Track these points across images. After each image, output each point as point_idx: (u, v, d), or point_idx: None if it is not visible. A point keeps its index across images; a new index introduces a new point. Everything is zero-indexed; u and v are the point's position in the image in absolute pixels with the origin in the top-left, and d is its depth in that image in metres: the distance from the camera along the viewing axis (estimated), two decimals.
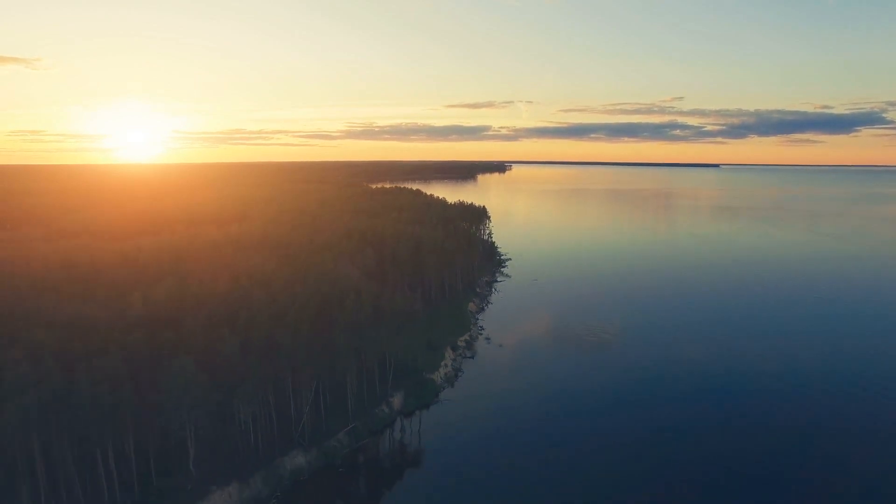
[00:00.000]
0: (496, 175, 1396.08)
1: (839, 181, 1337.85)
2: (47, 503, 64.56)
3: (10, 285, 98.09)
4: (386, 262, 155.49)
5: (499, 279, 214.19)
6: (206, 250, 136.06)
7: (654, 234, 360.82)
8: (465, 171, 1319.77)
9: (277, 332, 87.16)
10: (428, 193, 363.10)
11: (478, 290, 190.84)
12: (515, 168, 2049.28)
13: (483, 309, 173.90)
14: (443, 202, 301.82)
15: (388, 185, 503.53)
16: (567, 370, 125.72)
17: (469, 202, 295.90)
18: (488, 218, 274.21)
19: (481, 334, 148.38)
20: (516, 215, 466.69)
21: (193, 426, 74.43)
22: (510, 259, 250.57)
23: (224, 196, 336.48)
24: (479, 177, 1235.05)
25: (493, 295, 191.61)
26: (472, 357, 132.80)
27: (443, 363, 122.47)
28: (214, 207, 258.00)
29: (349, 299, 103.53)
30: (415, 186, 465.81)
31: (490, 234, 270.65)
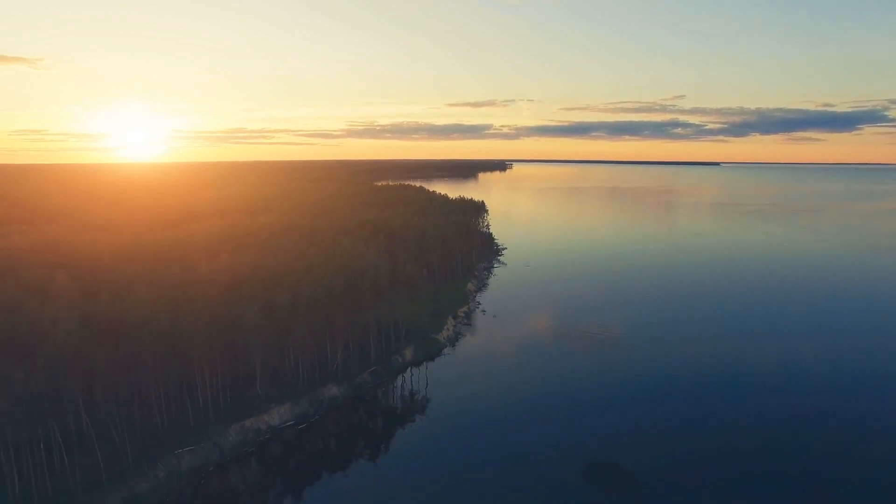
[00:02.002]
0: (497, 173, 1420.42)
1: (839, 179, 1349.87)
2: (165, 404, 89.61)
3: (103, 260, 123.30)
4: (396, 247, 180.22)
5: (495, 265, 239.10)
6: (246, 235, 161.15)
7: (644, 227, 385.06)
8: (466, 170, 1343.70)
9: (316, 293, 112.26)
10: (430, 190, 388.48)
11: (476, 273, 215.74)
12: (516, 166, 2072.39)
13: (480, 289, 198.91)
14: (444, 198, 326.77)
15: (391, 183, 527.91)
16: (552, 338, 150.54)
17: (469, 198, 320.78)
18: (486, 212, 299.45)
19: (478, 307, 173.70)
20: (514, 212, 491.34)
21: (260, 358, 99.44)
22: (506, 249, 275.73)
23: (238, 192, 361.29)
24: (480, 175, 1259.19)
25: (489, 278, 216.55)
26: (470, 324, 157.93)
27: (445, 327, 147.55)
28: (235, 202, 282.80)
29: (370, 271, 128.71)
30: (417, 184, 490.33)
31: (488, 226, 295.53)
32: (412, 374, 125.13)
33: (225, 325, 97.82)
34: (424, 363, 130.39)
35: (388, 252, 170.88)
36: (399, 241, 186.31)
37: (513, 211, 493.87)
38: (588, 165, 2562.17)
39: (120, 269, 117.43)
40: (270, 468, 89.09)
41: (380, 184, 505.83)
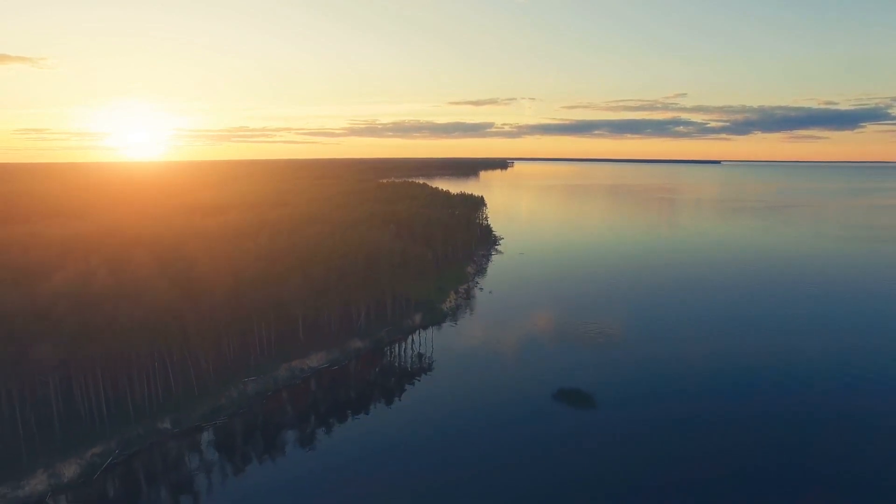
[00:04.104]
0: (498, 172, 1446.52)
1: (841, 177, 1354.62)
2: (234, 345, 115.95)
3: (164, 241, 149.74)
4: (404, 234, 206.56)
5: (492, 253, 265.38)
6: (275, 222, 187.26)
7: (638, 223, 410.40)
8: (467, 168, 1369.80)
9: (343, 267, 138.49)
10: (433, 187, 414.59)
11: (475, 259, 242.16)
12: (518, 165, 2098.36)
13: (478, 272, 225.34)
14: (447, 193, 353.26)
15: (395, 181, 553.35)
16: (538, 311, 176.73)
17: (470, 193, 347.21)
18: (485, 206, 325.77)
19: (476, 286, 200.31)
20: (513, 207, 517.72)
21: (301, 315, 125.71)
22: (503, 239, 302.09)
23: (251, 189, 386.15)
24: (482, 173, 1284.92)
25: (487, 263, 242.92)
26: (468, 298, 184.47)
27: (448, 300, 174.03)
28: (253, 197, 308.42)
29: (385, 251, 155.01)
30: (420, 182, 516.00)
31: (486, 218, 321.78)
32: (420, 335, 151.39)
33: (274, 288, 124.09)
34: (430, 327, 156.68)
35: (399, 238, 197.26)
36: (407, 230, 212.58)
37: (511, 207, 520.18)
38: (589, 164, 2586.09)
39: (180, 247, 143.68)
40: (312, 397, 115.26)
41: (384, 181, 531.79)
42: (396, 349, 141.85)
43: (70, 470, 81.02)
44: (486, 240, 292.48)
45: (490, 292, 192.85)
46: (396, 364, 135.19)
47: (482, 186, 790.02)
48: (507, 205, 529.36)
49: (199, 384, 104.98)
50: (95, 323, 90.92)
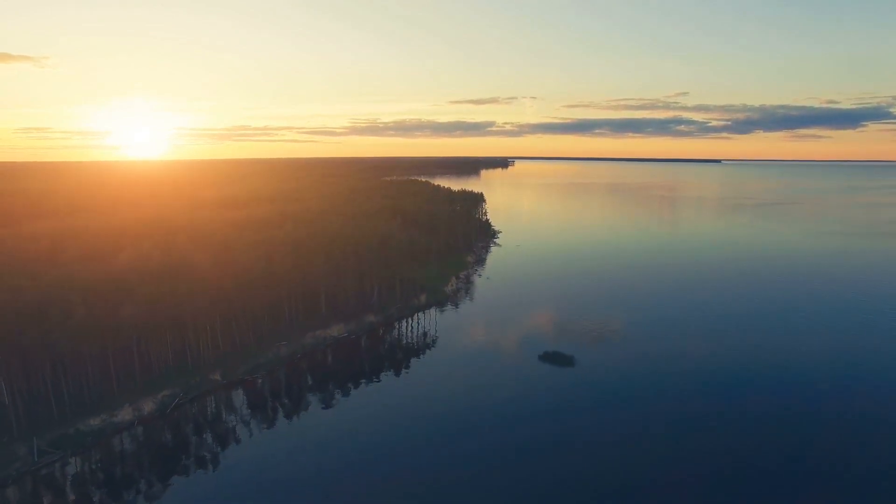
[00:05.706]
0: (499, 170, 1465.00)
1: (842, 176, 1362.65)
2: (266, 315, 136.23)
3: (201, 230, 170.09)
4: (410, 225, 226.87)
5: (491, 245, 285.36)
6: (295, 214, 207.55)
7: (633, 219, 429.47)
8: (468, 167, 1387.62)
9: (359, 251, 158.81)
10: (435, 184, 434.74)
11: (474, 250, 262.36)
12: (519, 163, 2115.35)
13: (478, 261, 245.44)
14: (448, 190, 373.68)
15: (399, 179, 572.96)
16: (529, 294, 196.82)
17: (470, 190, 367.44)
18: (485, 202, 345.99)
19: (475, 273, 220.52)
20: (512, 204, 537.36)
21: (323, 291, 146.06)
22: (501, 233, 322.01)
23: (261, 186, 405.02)
24: (483, 172, 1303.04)
25: (485, 254, 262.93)
26: (468, 283, 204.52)
27: (449, 283, 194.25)
28: (267, 192, 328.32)
29: (394, 239, 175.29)
30: (422, 180, 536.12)
31: (486, 213, 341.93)
32: (425, 312, 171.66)
33: (300, 268, 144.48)
34: (434, 306, 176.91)
35: (405, 229, 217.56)
36: (412, 222, 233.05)
37: (511, 204, 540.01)
38: (591, 162, 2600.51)
39: (215, 234, 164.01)
40: (334, 361, 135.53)
41: (386, 179, 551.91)
42: (404, 324, 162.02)
43: (148, 406, 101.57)
44: (486, 233, 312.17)
45: (488, 279, 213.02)
46: (404, 337, 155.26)
47: (483, 184, 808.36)
48: (506, 202, 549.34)
49: (241, 346, 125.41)
50: (160, 293, 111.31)
